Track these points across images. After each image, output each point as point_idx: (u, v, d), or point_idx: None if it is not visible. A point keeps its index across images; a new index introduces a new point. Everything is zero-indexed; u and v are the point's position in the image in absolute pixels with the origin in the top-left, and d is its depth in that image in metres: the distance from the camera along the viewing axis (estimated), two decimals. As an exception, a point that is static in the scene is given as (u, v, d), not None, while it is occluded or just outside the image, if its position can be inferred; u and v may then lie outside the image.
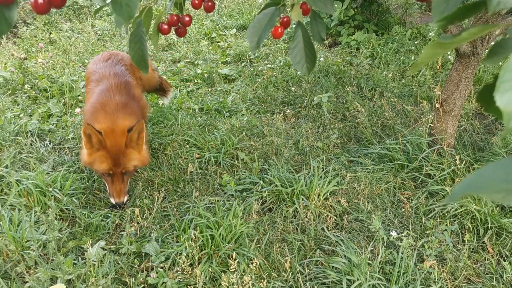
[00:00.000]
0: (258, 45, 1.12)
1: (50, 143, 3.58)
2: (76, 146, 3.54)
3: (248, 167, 3.40)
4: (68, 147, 3.54)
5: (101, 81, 2.97)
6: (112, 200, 2.69)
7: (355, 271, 2.28)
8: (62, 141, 3.63)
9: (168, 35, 6.52)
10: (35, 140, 3.52)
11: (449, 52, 5.26)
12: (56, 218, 2.63)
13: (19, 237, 2.36)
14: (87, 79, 3.22)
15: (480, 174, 0.56)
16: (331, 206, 2.97)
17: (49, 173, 3.07)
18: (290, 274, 2.37)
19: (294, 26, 1.25)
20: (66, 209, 2.77)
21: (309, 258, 2.51)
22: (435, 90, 3.37)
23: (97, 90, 2.89)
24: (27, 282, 2.05)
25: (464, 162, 3.15)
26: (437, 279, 2.33)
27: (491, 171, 0.55)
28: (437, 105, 3.15)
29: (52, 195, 2.77)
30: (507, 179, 0.53)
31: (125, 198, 2.69)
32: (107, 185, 2.71)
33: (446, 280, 2.39)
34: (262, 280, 2.21)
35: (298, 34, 1.23)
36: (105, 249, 2.46)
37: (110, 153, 2.55)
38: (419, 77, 4.89)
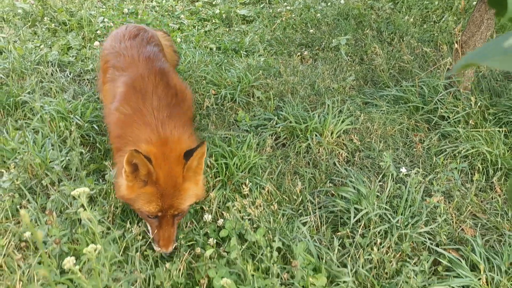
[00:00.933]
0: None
1: (70, 74, 3.65)
2: (95, 78, 3.60)
3: (264, 105, 3.44)
4: (87, 78, 3.61)
5: (127, 68, 2.29)
6: (157, 248, 1.99)
7: (363, 201, 2.36)
8: (81, 72, 3.70)
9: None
10: (56, 70, 3.60)
11: (474, -2, 5.10)
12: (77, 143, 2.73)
13: (42, 157, 2.47)
14: (104, 61, 2.51)
15: (482, 48, 0.60)
16: (344, 143, 3.02)
17: (69, 101, 3.15)
18: (300, 202, 2.46)
19: None
20: (87, 135, 2.87)
21: (320, 188, 2.60)
22: (455, 30, 3.31)
23: (123, 84, 2.20)
24: (51, 195, 2.18)
25: (479, 106, 3.14)
26: (443, 213, 2.40)
27: (492, 45, 0.59)
28: (456, 46, 3.12)
29: (73, 121, 2.86)
30: (506, 50, 0.57)
31: (173, 246, 1.99)
32: (150, 228, 2.02)
33: (452, 214, 2.46)
34: (273, 205, 2.31)
35: None
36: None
37: (162, 190, 1.87)
38: (441, 23, 4.78)
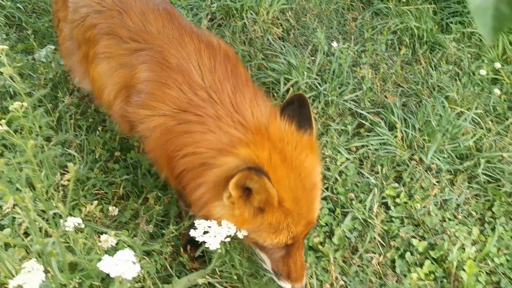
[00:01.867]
0: None
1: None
2: None
3: (199, -14, 3.35)
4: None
5: (141, 33, 1.50)
6: (285, 284, 1.43)
7: (293, 72, 2.46)
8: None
9: None
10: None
11: None
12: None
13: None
14: (86, 27, 1.62)
15: None
16: (280, 23, 3.05)
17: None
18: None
19: None
20: (12, 16, 2.74)
21: (253, 62, 2.66)
22: None
23: (150, 68, 1.45)
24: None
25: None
26: (368, 82, 2.54)
27: None
28: None
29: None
30: None
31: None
32: (268, 260, 1.44)
33: (377, 84, 2.61)
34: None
35: None
36: (55, 53, 2.51)
37: (293, 211, 1.27)
38: None
